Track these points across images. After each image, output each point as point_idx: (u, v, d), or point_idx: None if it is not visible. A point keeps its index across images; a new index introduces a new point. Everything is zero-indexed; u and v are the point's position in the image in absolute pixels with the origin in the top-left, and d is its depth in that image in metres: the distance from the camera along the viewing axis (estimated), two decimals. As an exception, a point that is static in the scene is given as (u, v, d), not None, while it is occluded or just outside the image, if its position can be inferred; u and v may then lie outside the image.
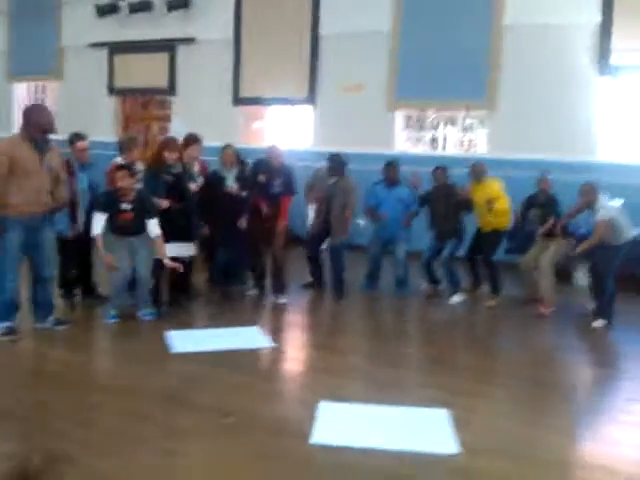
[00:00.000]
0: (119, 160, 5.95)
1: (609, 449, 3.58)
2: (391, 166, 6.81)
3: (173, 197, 5.68)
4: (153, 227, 5.39)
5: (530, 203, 6.73)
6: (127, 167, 5.44)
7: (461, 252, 7.08)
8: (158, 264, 5.66)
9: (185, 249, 5.84)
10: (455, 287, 6.89)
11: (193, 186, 5.79)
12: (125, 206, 5.38)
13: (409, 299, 6.85)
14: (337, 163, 6.76)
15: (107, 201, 5.42)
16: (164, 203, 5.64)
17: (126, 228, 5.42)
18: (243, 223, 6.19)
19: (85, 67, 12.01)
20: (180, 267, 5.48)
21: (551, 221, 6.45)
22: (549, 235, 6.54)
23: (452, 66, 9.05)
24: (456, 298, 6.82)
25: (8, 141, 4.75)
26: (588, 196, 6.03)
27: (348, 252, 6.99)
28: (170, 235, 5.61)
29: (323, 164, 7.04)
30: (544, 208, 6.57)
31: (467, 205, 6.72)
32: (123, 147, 6.04)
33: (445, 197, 6.76)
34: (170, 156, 5.71)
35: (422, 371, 4.74)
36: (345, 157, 6.88)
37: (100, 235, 5.34)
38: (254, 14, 10.49)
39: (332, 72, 9.98)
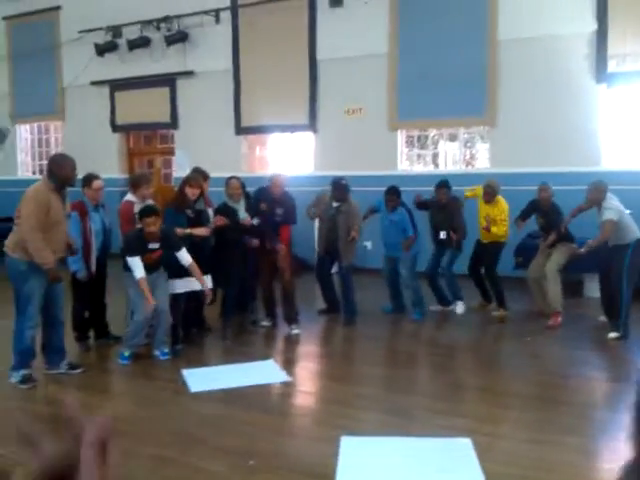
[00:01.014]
0: (130, 198, 5.98)
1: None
2: (390, 195, 6.80)
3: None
4: (185, 256, 5.43)
5: (532, 209, 6.75)
6: (153, 210, 5.41)
7: (461, 268, 7.11)
8: (176, 302, 5.71)
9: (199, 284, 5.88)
10: (455, 296, 6.97)
11: (224, 220, 5.90)
12: (153, 246, 5.42)
13: (422, 321, 6.83)
14: (341, 188, 6.79)
15: (136, 244, 5.40)
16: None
17: (151, 265, 5.44)
18: (254, 242, 6.20)
19: (87, 105, 12.18)
20: (210, 296, 5.63)
21: (553, 236, 6.47)
22: (553, 245, 6.57)
23: (451, 84, 9.13)
24: (459, 308, 6.85)
25: (43, 191, 4.78)
26: (598, 193, 5.99)
27: (366, 276, 7.00)
28: (185, 270, 5.63)
29: (326, 188, 7.08)
30: (547, 217, 6.60)
31: (459, 231, 6.77)
32: (134, 184, 6.05)
33: (446, 215, 6.81)
34: (192, 192, 5.77)
35: (439, 397, 4.70)
36: (348, 182, 6.91)
37: (144, 277, 5.32)
38: (252, 44, 10.61)
39: (332, 97, 10.07)
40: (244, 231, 6.15)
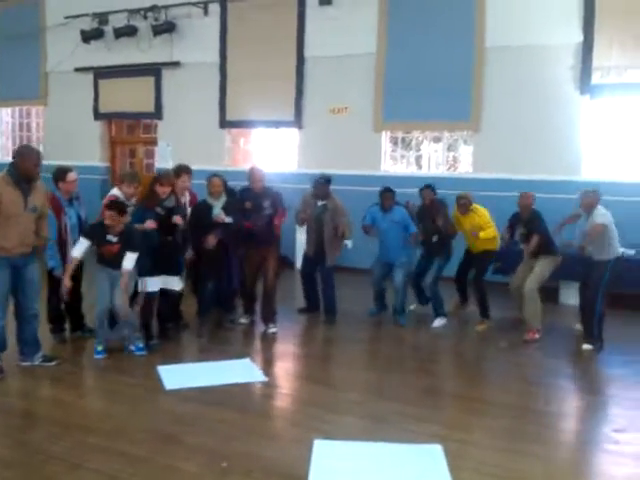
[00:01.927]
0: (116, 192, 5.94)
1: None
2: (386, 193, 6.79)
3: (163, 231, 5.66)
4: (129, 260, 5.36)
5: (514, 222, 6.71)
6: (118, 206, 5.38)
7: (449, 272, 7.14)
8: (148, 300, 5.69)
9: (173, 282, 5.84)
10: (437, 311, 6.92)
11: (180, 220, 5.75)
12: (111, 238, 5.38)
13: (403, 326, 6.84)
14: (321, 185, 6.80)
15: (95, 231, 5.42)
16: (150, 224, 5.60)
17: (111, 260, 5.40)
18: (211, 240, 5.99)
19: (70, 91, 12.03)
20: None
21: (535, 240, 6.39)
22: (535, 255, 6.52)
23: (437, 87, 9.18)
24: (438, 322, 6.85)
25: None
26: (592, 200, 5.99)
27: (347, 275, 6.97)
28: (158, 268, 5.65)
29: (308, 188, 7.07)
30: (528, 225, 6.53)
31: (444, 231, 6.72)
32: (124, 181, 5.99)
33: (431, 216, 6.79)
34: (162, 190, 5.70)
35: (415, 403, 4.72)
36: (328, 176, 6.90)
37: (77, 258, 5.36)
38: (239, 37, 10.56)
39: (318, 94, 10.06)
40: (217, 229, 6.06)
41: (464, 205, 6.77)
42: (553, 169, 8.65)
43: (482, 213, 6.80)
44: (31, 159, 4.79)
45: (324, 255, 6.83)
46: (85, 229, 5.54)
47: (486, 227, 6.68)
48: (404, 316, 6.94)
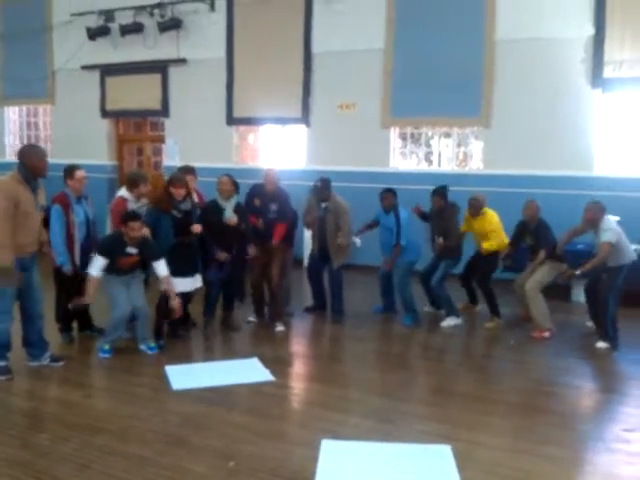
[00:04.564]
0: (124, 194, 5.92)
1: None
2: (385, 193, 6.75)
3: (181, 233, 5.67)
4: (161, 268, 5.39)
5: (521, 231, 6.65)
6: (138, 216, 5.36)
7: (458, 271, 7.09)
8: (163, 299, 5.67)
9: (192, 283, 5.85)
10: (447, 311, 6.86)
11: (200, 228, 5.77)
12: (131, 250, 5.37)
13: (412, 326, 6.75)
14: (320, 189, 6.73)
15: (113, 246, 5.37)
16: (197, 228, 5.70)
17: (129, 270, 5.42)
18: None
19: (77, 89, 12.03)
20: (178, 306, 5.50)
21: (542, 255, 6.35)
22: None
23: (446, 82, 9.09)
24: (448, 322, 6.79)
25: (10, 183, 4.71)
26: (594, 214, 5.86)
27: (356, 273, 6.86)
28: (177, 270, 5.62)
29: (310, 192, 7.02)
30: (535, 235, 6.47)
31: (452, 236, 6.62)
32: (131, 182, 5.96)
33: (438, 225, 6.72)
34: (177, 192, 5.68)
35: (423, 402, 4.69)
36: (326, 178, 6.83)
37: (96, 278, 5.30)
38: (246, 34, 10.51)
39: (326, 91, 10.00)
40: (228, 231, 6.04)
41: (475, 207, 6.70)
42: (565, 164, 8.56)
43: (491, 219, 6.72)
44: (37, 155, 4.82)
45: (329, 255, 6.80)
46: (101, 246, 5.44)
47: (491, 236, 6.62)
48: (408, 316, 6.82)
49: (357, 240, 7.11)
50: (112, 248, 5.35)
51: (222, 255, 5.99)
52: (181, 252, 5.64)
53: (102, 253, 5.32)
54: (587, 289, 6.30)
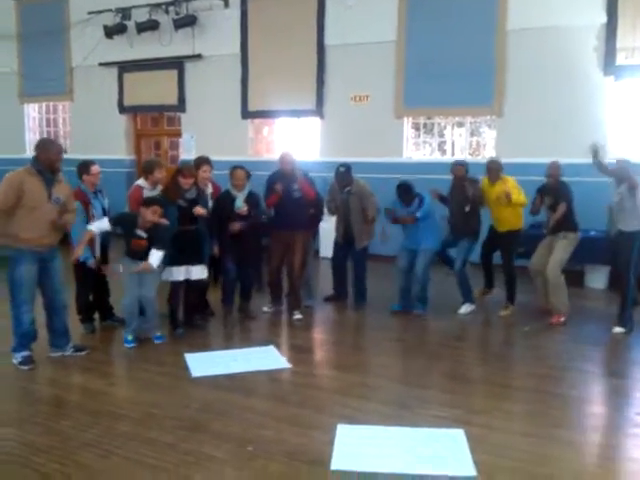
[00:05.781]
0: (141, 183, 6.05)
1: (624, 466, 3.62)
2: (401, 188, 6.63)
3: (185, 221, 5.75)
4: (155, 258, 5.43)
5: (542, 192, 6.58)
6: (159, 201, 5.47)
7: (475, 257, 7.09)
8: (175, 287, 5.80)
9: (197, 271, 5.93)
10: (465, 297, 6.88)
11: (203, 211, 5.84)
12: (141, 233, 5.47)
13: (425, 313, 6.79)
14: (342, 175, 6.80)
15: (125, 220, 5.50)
16: (199, 210, 5.76)
17: (138, 254, 5.50)
18: (235, 226, 6.07)
19: (95, 86, 12.20)
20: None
21: (562, 208, 6.29)
22: (557, 229, 6.41)
23: (458, 72, 9.11)
24: (465, 309, 6.83)
25: (17, 174, 4.80)
26: (625, 167, 5.91)
27: (377, 263, 6.89)
28: (182, 258, 5.74)
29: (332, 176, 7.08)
30: (555, 193, 6.42)
31: (474, 201, 6.57)
32: (146, 170, 6.09)
33: (461, 187, 6.63)
34: (185, 182, 5.78)
35: (438, 388, 4.76)
36: (347, 164, 6.88)
37: (92, 232, 5.38)
38: (260, 28, 10.59)
39: (339, 83, 10.06)
40: (240, 220, 6.11)
41: (494, 170, 6.60)
42: (578, 152, 8.47)
43: (511, 182, 6.62)
44: (52, 150, 4.90)
45: (354, 240, 6.86)
46: (115, 216, 5.57)
47: (515, 192, 6.45)
48: (424, 305, 6.80)
49: (387, 230, 7.02)
50: (123, 223, 5.47)
51: (236, 225, 6.04)
52: (187, 240, 5.72)
53: (113, 222, 5.45)
54: (612, 272, 6.26)
